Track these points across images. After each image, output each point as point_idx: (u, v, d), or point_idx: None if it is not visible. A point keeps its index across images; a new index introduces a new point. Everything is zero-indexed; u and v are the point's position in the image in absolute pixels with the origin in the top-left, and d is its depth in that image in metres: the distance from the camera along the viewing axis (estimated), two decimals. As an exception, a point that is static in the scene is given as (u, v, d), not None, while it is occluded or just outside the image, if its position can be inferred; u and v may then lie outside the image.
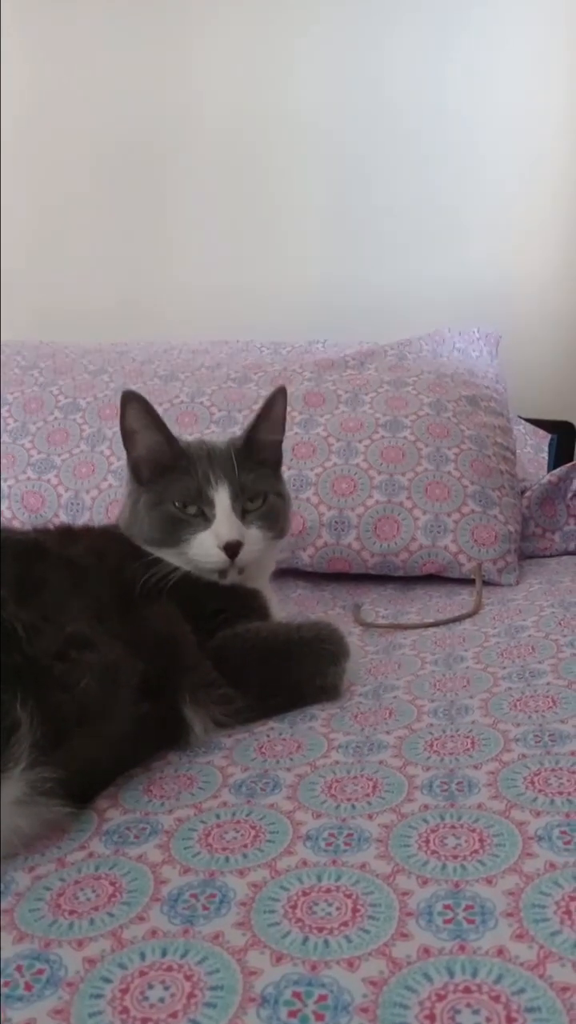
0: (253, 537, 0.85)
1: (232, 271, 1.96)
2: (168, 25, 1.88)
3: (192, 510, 0.84)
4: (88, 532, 0.88)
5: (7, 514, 1.27)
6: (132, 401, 0.85)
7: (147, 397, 1.36)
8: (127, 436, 0.87)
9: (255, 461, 0.89)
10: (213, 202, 1.94)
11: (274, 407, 0.92)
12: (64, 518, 1.24)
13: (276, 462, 0.95)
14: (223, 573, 0.84)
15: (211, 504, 0.84)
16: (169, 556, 0.83)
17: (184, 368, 1.46)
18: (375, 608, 1.11)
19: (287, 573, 1.23)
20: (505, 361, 1.74)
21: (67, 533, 0.84)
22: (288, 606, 1.11)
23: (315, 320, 1.87)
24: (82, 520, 1.24)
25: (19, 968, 0.43)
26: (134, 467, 0.88)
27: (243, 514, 0.85)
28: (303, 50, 1.87)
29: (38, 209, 1.97)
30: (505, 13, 1.80)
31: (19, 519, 1.26)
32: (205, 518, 0.84)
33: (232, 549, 0.82)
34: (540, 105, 1.85)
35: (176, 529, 0.83)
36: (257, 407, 0.95)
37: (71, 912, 0.48)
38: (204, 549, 0.83)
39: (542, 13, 1.80)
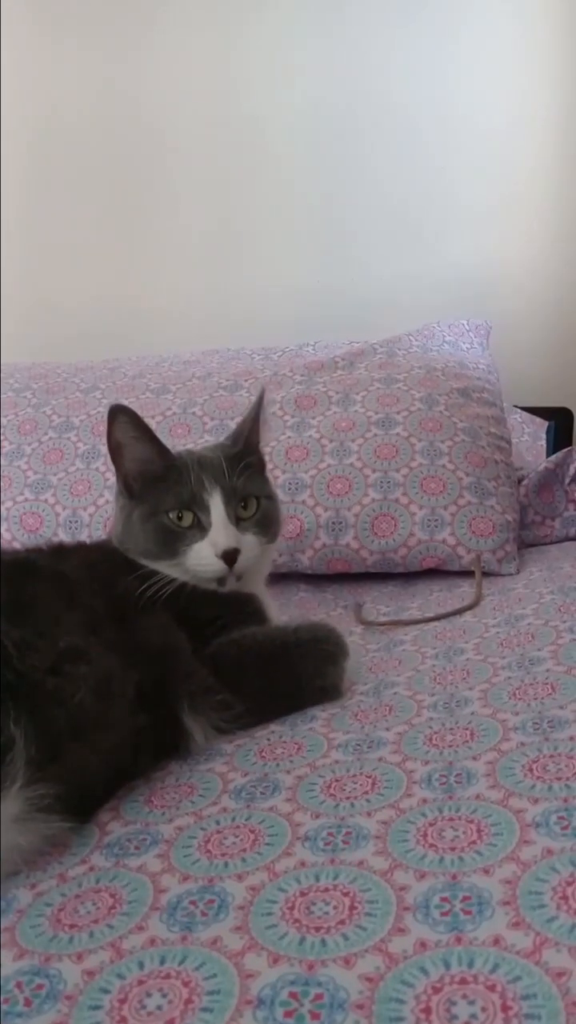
0: (249, 543, 0.85)
1: (219, 275, 1.96)
2: (154, 26, 1.89)
3: (187, 520, 0.84)
4: (81, 548, 0.89)
5: (6, 536, 1.28)
6: (120, 414, 0.85)
7: (139, 411, 1.37)
8: (115, 450, 0.87)
9: (244, 465, 0.89)
10: (197, 206, 1.95)
11: (263, 410, 0.93)
12: (63, 536, 1.25)
13: (261, 466, 0.95)
14: (222, 581, 0.84)
15: (206, 510, 0.84)
16: (166, 568, 0.83)
17: (175, 380, 1.46)
18: (376, 606, 1.11)
19: (288, 576, 1.24)
20: (499, 350, 1.75)
21: (59, 550, 0.84)
22: (290, 609, 1.11)
23: (304, 322, 1.87)
24: (81, 538, 1.24)
25: (19, 984, 0.44)
26: (124, 481, 0.88)
27: (237, 521, 0.85)
28: (285, 53, 1.87)
29: (25, 218, 1.98)
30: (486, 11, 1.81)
31: (18, 540, 1.27)
32: (201, 527, 0.84)
33: (230, 557, 0.82)
34: (518, 94, 1.85)
35: (172, 540, 0.83)
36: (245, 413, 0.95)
37: (71, 926, 0.48)
38: (201, 559, 0.83)
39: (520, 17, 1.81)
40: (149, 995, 0.42)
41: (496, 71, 1.85)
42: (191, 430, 1.33)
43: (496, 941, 0.43)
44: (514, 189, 1.89)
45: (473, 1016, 0.38)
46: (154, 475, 0.86)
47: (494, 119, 1.87)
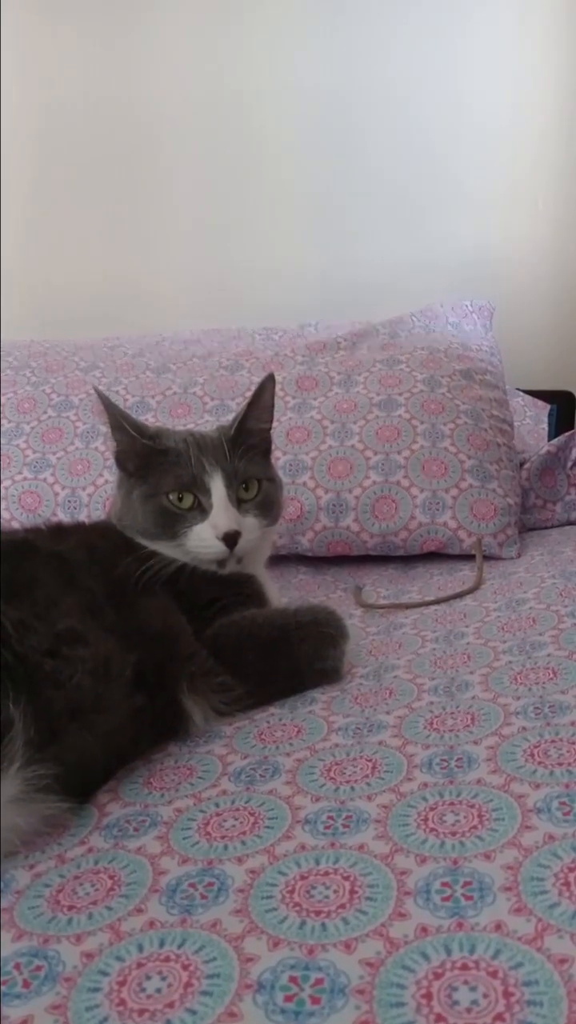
0: (250, 526, 0.84)
1: (220, 258, 1.94)
2: (153, 9, 1.86)
3: (187, 501, 0.83)
4: (79, 528, 0.88)
5: (5, 515, 1.27)
6: (99, 398, 0.86)
7: (139, 390, 1.37)
8: (111, 430, 0.87)
9: (246, 448, 0.88)
10: (198, 189, 1.93)
11: (263, 395, 0.91)
12: (62, 516, 1.24)
13: (266, 449, 0.94)
14: (222, 563, 0.84)
15: (206, 492, 0.83)
16: (166, 548, 0.83)
17: (175, 359, 1.45)
18: (376, 589, 1.11)
19: (288, 558, 1.23)
20: (501, 333, 1.73)
21: (58, 530, 0.83)
22: (290, 591, 1.11)
23: (306, 305, 1.86)
24: (80, 518, 1.24)
25: (17, 966, 0.43)
26: (119, 459, 0.87)
27: (238, 503, 0.85)
28: (286, 36, 1.84)
29: (29, 197, 1.95)
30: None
31: (17, 520, 1.26)
32: (201, 509, 0.83)
33: (231, 539, 0.82)
34: (522, 78, 1.83)
35: (172, 522, 0.82)
36: (249, 394, 0.94)
37: (70, 907, 0.48)
38: (202, 541, 0.82)
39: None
40: (148, 978, 0.42)
41: (498, 54, 1.82)
42: (191, 410, 1.32)
43: (498, 927, 0.42)
44: (517, 171, 1.87)
45: (475, 1002, 0.38)
46: (144, 455, 0.85)
47: (496, 102, 1.84)
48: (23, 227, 1.96)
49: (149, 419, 1.28)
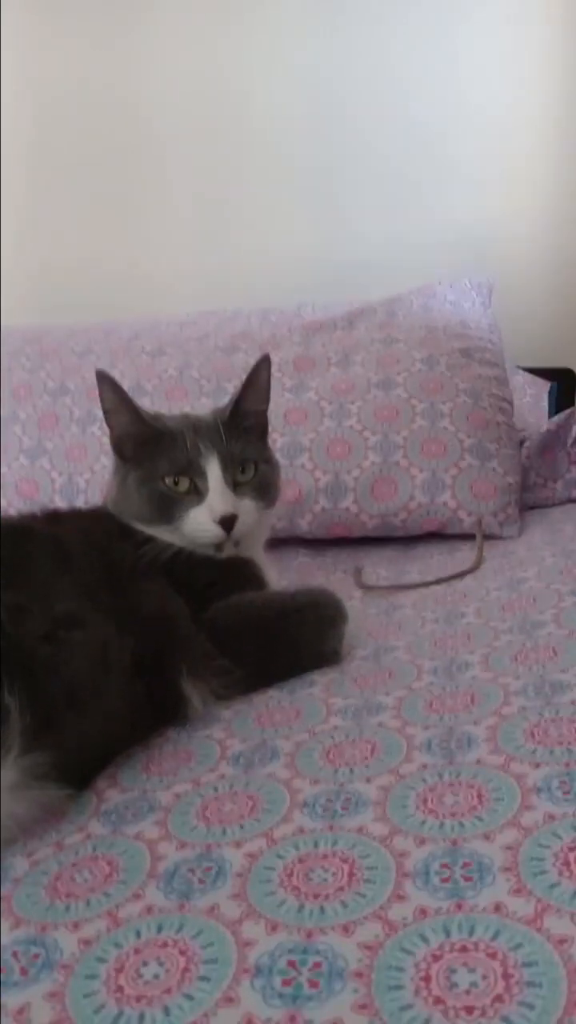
0: (247, 509, 0.84)
1: (217, 241, 1.92)
2: (153, 7, 1.84)
3: (183, 485, 0.82)
4: (76, 514, 0.87)
5: (3, 503, 1.26)
6: (102, 381, 0.85)
7: (135, 374, 1.36)
8: (106, 415, 0.86)
9: (242, 430, 0.87)
10: (194, 172, 1.91)
11: (259, 376, 0.91)
12: (60, 503, 1.24)
13: (262, 431, 0.93)
14: (219, 547, 0.83)
15: (203, 476, 0.82)
16: (162, 533, 0.82)
17: (171, 342, 1.44)
18: (376, 570, 1.10)
19: (287, 541, 1.23)
20: (501, 311, 1.71)
21: (54, 516, 0.83)
22: (289, 574, 1.10)
23: (304, 286, 1.84)
24: (78, 504, 1.23)
25: (15, 954, 0.43)
26: (116, 444, 0.87)
27: (235, 486, 0.84)
28: (282, 20, 1.82)
29: (26, 181, 1.94)
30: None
31: (14, 507, 1.25)
32: (198, 493, 0.82)
33: (228, 522, 0.81)
34: (521, 55, 1.80)
35: (168, 506, 0.82)
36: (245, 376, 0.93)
37: (68, 895, 0.48)
38: (199, 524, 0.82)
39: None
40: (146, 964, 0.41)
41: (496, 33, 1.80)
42: (188, 393, 1.31)
43: (497, 908, 0.42)
44: (516, 149, 1.85)
45: (474, 984, 0.38)
46: (143, 439, 0.85)
47: (494, 80, 1.82)
48: (23, 216, 1.94)
49: (145, 403, 1.27)
